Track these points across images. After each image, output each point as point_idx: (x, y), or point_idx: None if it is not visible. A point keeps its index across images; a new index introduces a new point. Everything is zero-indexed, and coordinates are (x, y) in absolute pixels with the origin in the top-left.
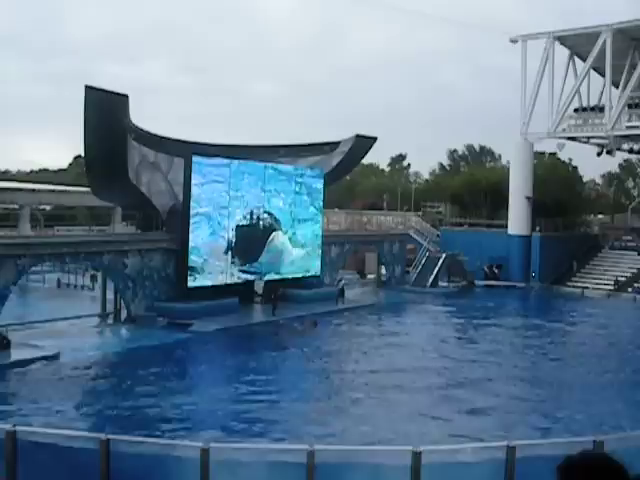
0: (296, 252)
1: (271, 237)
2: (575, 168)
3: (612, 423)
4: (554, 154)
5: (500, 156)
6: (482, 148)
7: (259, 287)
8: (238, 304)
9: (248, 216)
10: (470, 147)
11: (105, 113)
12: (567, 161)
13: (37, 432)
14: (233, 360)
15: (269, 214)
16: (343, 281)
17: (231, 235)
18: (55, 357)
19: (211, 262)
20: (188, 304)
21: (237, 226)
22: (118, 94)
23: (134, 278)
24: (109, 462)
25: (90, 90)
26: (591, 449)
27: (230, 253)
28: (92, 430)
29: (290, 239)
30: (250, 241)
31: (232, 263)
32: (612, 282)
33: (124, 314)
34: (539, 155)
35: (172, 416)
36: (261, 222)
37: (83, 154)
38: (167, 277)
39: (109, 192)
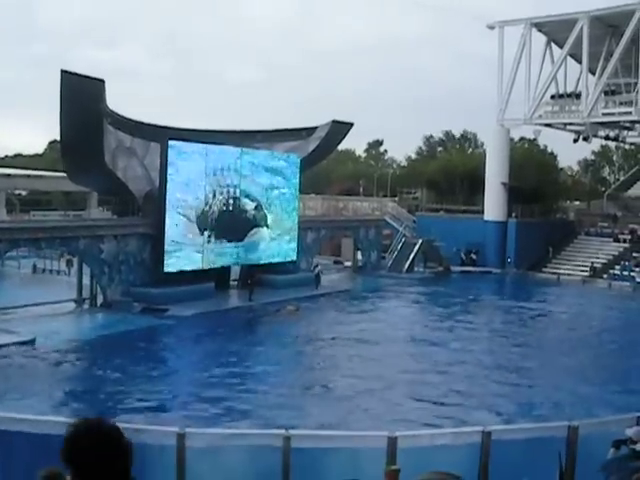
0: (272, 237)
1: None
2: (552, 154)
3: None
4: (532, 140)
5: (483, 143)
6: (464, 134)
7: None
8: (214, 289)
9: (225, 201)
10: (448, 133)
11: (81, 98)
12: (544, 147)
13: (11, 418)
14: (209, 345)
15: (246, 197)
16: (319, 267)
17: (208, 220)
18: (31, 342)
19: (186, 247)
20: (164, 289)
21: (214, 211)
22: (94, 79)
23: (110, 263)
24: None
25: (66, 75)
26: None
27: (206, 238)
28: (68, 416)
29: (266, 224)
30: (227, 225)
31: (208, 244)
32: (587, 268)
33: (100, 299)
34: (517, 141)
35: (148, 401)
36: (238, 207)
37: (59, 139)
38: (143, 262)
39: (85, 177)
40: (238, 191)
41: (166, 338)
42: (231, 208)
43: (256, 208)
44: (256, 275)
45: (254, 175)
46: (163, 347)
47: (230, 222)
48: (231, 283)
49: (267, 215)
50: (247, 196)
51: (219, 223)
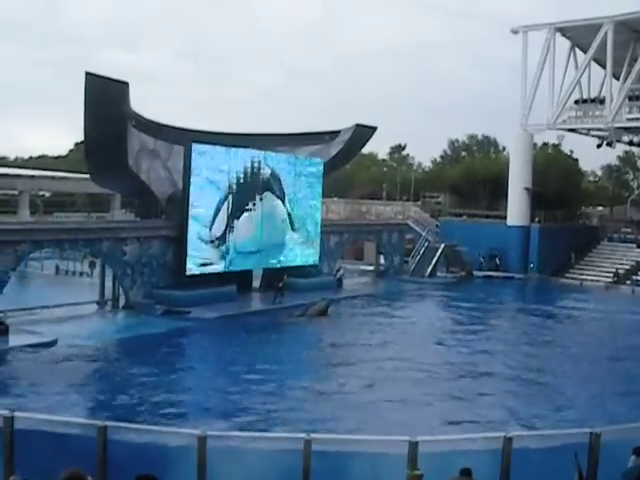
0: (295, 239)
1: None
2: (575, 160)
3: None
4: (557, 145)
5: (504, 148)
6: (486, 138)
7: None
8: (236, 292)
9: (247, 203)
10: (472, 137)
11: (105, 100)
12: (568, 153)
13: (34, 418)
14: (232, 348)
15: (269, 200)
16: (341, 271)
17: (230, 223)
18: (53, 343)
19: (208, 250)
20: (186, 292)
21: (236, 214)
22: (118, 81)
23: (133, 265)
24: (106, 449)
25: (90, 77)
26: None
27: (229, 240)
28: (90, 417)
29: (291, 224)
30: (251, 228)
31: (230, 247)
32: (610, 274)
33: (122, 301)
34: (542, 146)
35: (170, 404)
36: (262, 209)
37: (83, 141)
38: (165, 265)
39: (108, 179)
40: (261, 194)
41: (188, 340)
42: (254, 211)
43: (279, 211)
44: (285, 277)
45: (277, 178)
46: (185, 350)
47: (252, 225)
48: (254, 286)
49: (291, 218)
50: (270, 199)
51: (243, 226)
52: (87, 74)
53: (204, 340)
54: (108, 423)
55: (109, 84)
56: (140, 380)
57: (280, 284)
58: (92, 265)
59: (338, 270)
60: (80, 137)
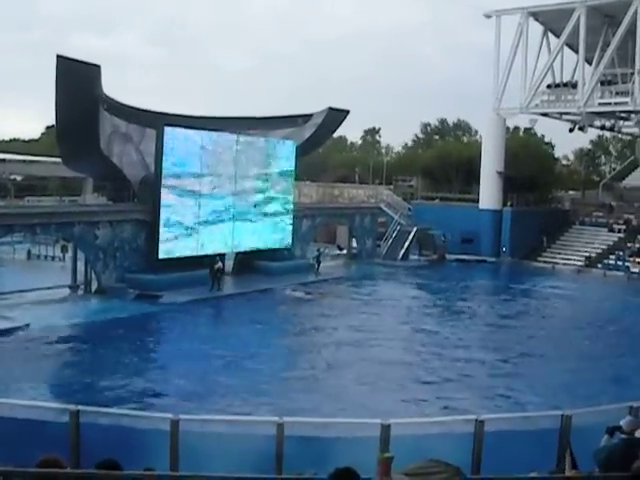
0: (268, 222)
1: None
2: (548, 144)
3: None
4: (529, 130)
5: (477, 132)
6: (458, 122)
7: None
8: (209, 276)
9: (221, 187)
10: (444, 121)
11: (77, 83)
12: (541, 137)
13: (5, 404)
14: (203, 332)
15: (242, 184)
16: (320, 251)
17: (203, 206)
18: (25, 328)
19: (181, 234)
20: (159, 276)
21: (209, 197)
22: (90, 64)
23: (105, 249)
24: (79, 434)
25: (62, 60)
26: None
27: (200, 224)
28: (62, 401)
29: (263, 207)
30: (224, 212)
31: (202, 230)
32: (582, 258)
33: (95, 285)
34: (514, 130)
35: (142, 387)
36: (234, 193)
37: (55, 124)
38: (138, 248)
39: (80, 162)
40: (233, 177)
41: (159, 324)
42: (227, 194)
43: (251, 194)
44: (219, 262)
45: (249, 162)
46: (157, 333)
47: (226, 209)
48: (226, 270)
49: (263, 202)
50: (242, 182)
51: (214, 209)
52: (58, 57)
53: (174, 323)
54: (81, 407)
55: (81, 67)
56: (112, 363)
57: (215, 268)
58: (64, 249)
59: (317, 251)
60: (52, 121)
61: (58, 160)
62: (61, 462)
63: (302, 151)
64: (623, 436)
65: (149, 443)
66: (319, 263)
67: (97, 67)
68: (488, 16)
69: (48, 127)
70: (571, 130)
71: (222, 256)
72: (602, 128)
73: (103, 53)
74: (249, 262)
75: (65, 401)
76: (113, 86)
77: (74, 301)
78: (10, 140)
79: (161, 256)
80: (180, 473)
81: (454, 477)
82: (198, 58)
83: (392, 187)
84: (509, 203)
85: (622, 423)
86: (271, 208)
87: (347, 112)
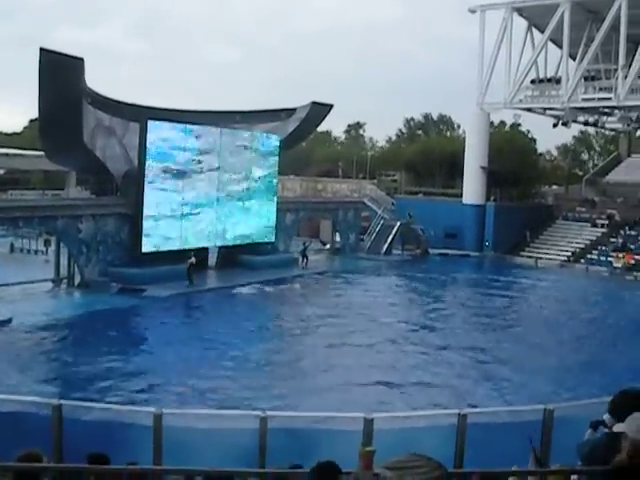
0: (251, 216)
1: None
2: (531, 139)
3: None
4: (513, 125)
5: (459, 126)
6: (442, 117)
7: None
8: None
9: (204, 181)
10: (428, 116)
11: (60, 76)
12: (525, 132)
13: None
14: (186, 326)
15: (226, 178)
16: (307, 244)
17: (185, 201)
18: (8, 322)
19: (164, 227)
20: (142, 269)
21: (192, 191)
22: (73, 57)
23: (88, 243)
24: (61, 428)
25: (45, 53)
26: None
27: (184, 219)
28: (44, 395)
29: (246, 202)
30: (207, 206)
31: (186, 224)
32: (565, 252)
33: (78, 279)
34: (498, 125)
35: (125, 381)
36: (218, 187)
37: (37, 118)
38: (121, 242)
39: (63, 156)
40: (217, 171)
41: (142, 318)
42: (210, 189)
43: (235, 188)
44: (193, 258)
45: (233, 156)
46: (140, 327)
47: (208, 202)
48: (209, 264)
49: (246, 196)
50: (226, 177)
51: (197, 203)
52: (41, 50)
53: (157, 317)
54: (63, 401)
55: (64, 60)
56: (94, 357)
57: (189, 264)
58: (47, 243)
59: (304, 244)
60: (35, 114)
61: (41, 153)
62: (42, 457)
63: (286, 145)
64: (606, 430)
65: (132, 437)
66: (306, 257)
67: (80, 60)
68: (473, 11)
69: (31, 120)
70: (555, 125)
71: (206, 250)
72: (585, 123)
73: (87, 46)
74: (233, 256)
75: (47, 395)
76: (97, 79)
77: (57, 295)
78: None
79: (144, 250)
80: (163, 467)
81: (435, 471)
82: (182, 51)
83: (376, 182)
84: (492, 198)
85: (605, 417)
86: (254, 202)
87: (331, 106)
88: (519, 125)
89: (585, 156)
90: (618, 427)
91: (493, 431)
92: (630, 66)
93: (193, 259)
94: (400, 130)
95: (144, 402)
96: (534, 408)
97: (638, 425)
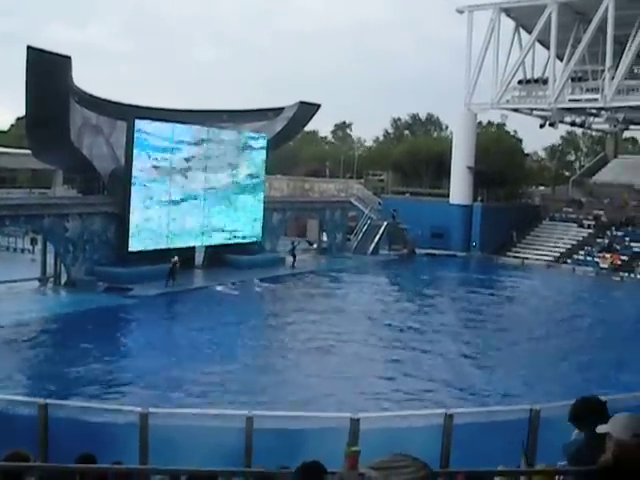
0: (238, 216)
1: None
2: (519, 140)
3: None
4: (500, 125)
5: (447, 127)
6: (429, 117)
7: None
8: (179, 269)
9: (191, 180)
10: (415, 116)
11: (47, 74)
12: (512, 132)
13: None
14: (173, 325)
15: (212, 177)
16: (295, 243)
17: (173, 199)
18: None
19: (151, 226)
20: (128, 268)
21: (179, 190)
22: (61, 55)
23: (75, 242)
24: (47, 428)
25: (32, 51)
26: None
27: (171, 216)
28: (31, 395)
29: (233, 201)
30: (194, 205)
31: (173, 223)
32: (552, 253)
33: (64, 278)
34: (485, 125)
35: (111, 380)
36: (205, 186)
37: (24, 116)
38: (108, 241)
39: (50, 154)
40: (204, 170)
41: (129, 317)
42: (197, 187)
43: (222, 187)
44: (176, 258)
45: (220, 155)
46: (126, 326)
47: (195, 201)
48: (196, 263)
49: (234, 195)
50: (213, 176)
51: (184, 202)
52: (29, 48)
53: (143, 316)
54: (49, 401)
55: (51, 58)
56: (80, 356)
57: (171, 265)
58: (34, 242)
59: (292, 244)
60: (22, 112)
61: (28, 152)
62: (26, 456)
63: (273, 145)
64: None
65: (119, 436)
66: (294, 256)
67: (68, 58)
68: (460, 11)
69: (18, 118)
70: (542, 126)
71: (192, 249)
72: (572, 124)
73: (75, 44)
74: (219, 256)
75: (34, 394)
76: (85, 78)
77: (43, 294)
78: None
79: (131, 249)
80: (149, 466)
81: (420, 471)
82: (170, 50)
83: (363, 181)
84: (479, 198)
85: None
86: (242, 202)
87: (318, 106)
88: (504, 125)
89: (572, 157)
90: (601, 428)
91: (479, 431)
92: (617, 67)
93: (176, 258)
94: (386, 130)
95: (127, 402)
96: (520, 408)
97: (622, 425)
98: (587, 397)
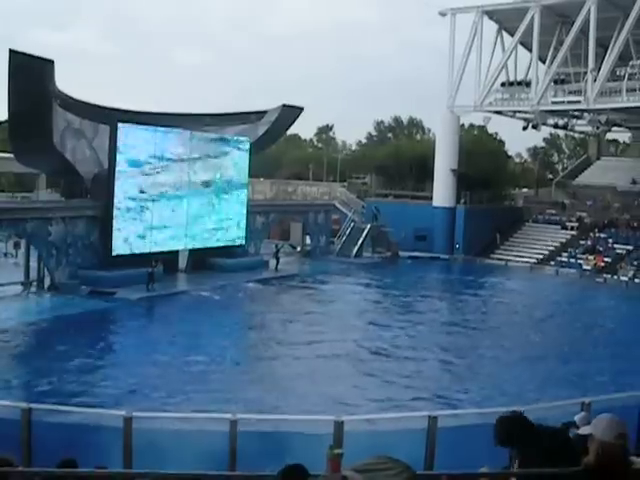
0: (221, 219)
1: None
2: (500, 141)
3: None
4: (482, 127)
5: (429, 129)
6: (412, 120)
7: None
8: (162, 273)
9: (174, 183)
10: (397, 118)
11: (30, 78)
12: (494, 135)
13: None
14: (156, 328)
15: (195, 180)
16: (279, 246)
17: (156, 203)
18: None
19: (135, 230)
20: (112, 272)
21: (162, 193)
22: (44, 59)
23: (58, 246)
24: (31, 432)
25: (15, 54)
26: None
27: (154, 220)
28: (14, 399)
29: (217, 204)
30: (177, 209)
31: (155, 227)
32: (535, 255)
33: (48, 282)
34: (468, 128)
35: (95, 384)
36: (188, 189)
37: (7, 120)
38: (91, 245)
39: (33, 158)
40: (187, 174)
41: (112, 321)
42: (180, 191)
43: (205, 191)
44: (154, 262)
45: (203, 158)
46: (110, 330)
47: (178, 205)
48: (180, 267)
49: (217, 198)
50: (196, 179)
51: (168, 206)
52: (11, 51)
53: (127, 320)
54: (32, 405)
55: (34, 62)
56: (64, 360)
57: (150, 270)
58: (17, 246)
59: (276, 247)
60: (4, 116)
61: (10, 155)
62: (10, 461)
63: (256, 148)
64: (577, 431)
65: (103, 440)
66: (278, 259)
67: (51, 62)
68: (443, 14)
69: (0, 122)
70: (525, 128)
71: (176, 253)
72: (555, 126)
73: (57, 48)
74: (203, 259)
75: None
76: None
77: (27, 298)
78: None
79: (115, 252)
80: (133, 470)
81: (403, 473)
82: (153, 53)
83: (346, 184)
84: (462, 200)
85: (576, 419)
86: (225, 205)
87: (301, 109)
88: (483, 127)
89: (555, 159)
90: (585, 429)
91: (463, 433)
92: (599, 69)
93: (154, 262)
94: (369, 133)
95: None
96: (504, 410)
97: (604, 427)
98: (507, 416)
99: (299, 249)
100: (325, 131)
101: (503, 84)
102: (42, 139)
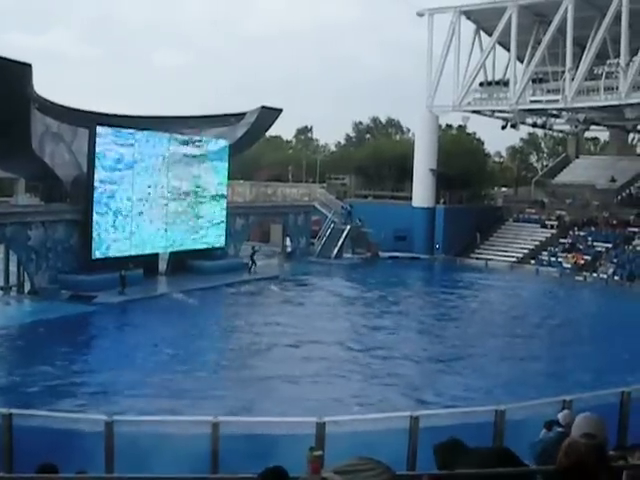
0: (201, 222)
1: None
2: (479, 141)
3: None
4: (462, 127)
5: (408, 129)
6: (390, 120)
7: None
8: (142, 276)
9: (153, 186)
10: (376, 119)
11: (7, 82)
12: (472, 134)
13: None
14: (137, 332)
15: (175, 183)
16: (255, 248)
17: (135, 206)
18: None
19: (114, 234)
20: (92, 276)
21: (141, 197)
22: (21, 63)
23: (37, 250)
24: (12, 437)
25: None
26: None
27: (134, 224)
28: None
29: (196, 207)
30: (156, 211)
31: (135, 230)
32: (515, 254)
33: (27, 287)
34: (446, 128)
35: (76, 389)
36: (167, 192)
37: None
38: (71, 249)
39: (11, 163)
40: (166, 176)
41: (94, 325)
42: (159, 194)
43: (184, 194)
44: (127, 266)
45: (182, 161)
46: (91, 334)
47: (157, 208)
48: (160, 270)
49: (196, 201)
50: (175, 182)
51: (147, 209)
52: None
53: (107, 324)
54: (13, 410)
55: (11, 66)
56: (44, 365)
57: (123, 273)
58: None
59: (252, 249)
60: None
61: None
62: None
63: (235, 150)
64: (560, 429)
65: (85, 445)
66: (254, 261)
67: (28, 66)
68: (421, 14)
69: None
70: (503, 127)
71: (156, 256)
72: (534, 125)
73: (36, 51)
74: (183, 262)
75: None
76: (46, 85)
77: (6, 302)
78: None
79: (94, 256)
80: (114, 475)
81: (383, 474)
82: (133, 55)
83: (325, 185)
84: (442, 200)
85: (559, 416)
86: (205, 207)
87: (280, 111)
88: (461, 126)
89: (533, 158)
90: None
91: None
92: (577, 68)
93: (131, 265)
94: (347, 134)
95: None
96: (486, 409)
97: (576, 425)
98: (443, 443)
99: (279, 250)
100: (304, 132)
101: (482, 84)
102: (20, 143)
